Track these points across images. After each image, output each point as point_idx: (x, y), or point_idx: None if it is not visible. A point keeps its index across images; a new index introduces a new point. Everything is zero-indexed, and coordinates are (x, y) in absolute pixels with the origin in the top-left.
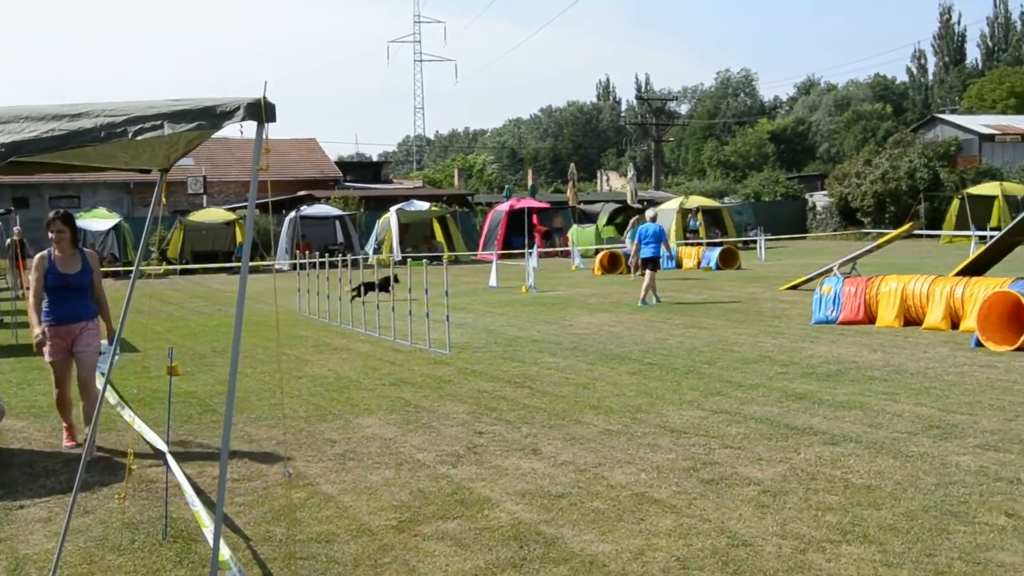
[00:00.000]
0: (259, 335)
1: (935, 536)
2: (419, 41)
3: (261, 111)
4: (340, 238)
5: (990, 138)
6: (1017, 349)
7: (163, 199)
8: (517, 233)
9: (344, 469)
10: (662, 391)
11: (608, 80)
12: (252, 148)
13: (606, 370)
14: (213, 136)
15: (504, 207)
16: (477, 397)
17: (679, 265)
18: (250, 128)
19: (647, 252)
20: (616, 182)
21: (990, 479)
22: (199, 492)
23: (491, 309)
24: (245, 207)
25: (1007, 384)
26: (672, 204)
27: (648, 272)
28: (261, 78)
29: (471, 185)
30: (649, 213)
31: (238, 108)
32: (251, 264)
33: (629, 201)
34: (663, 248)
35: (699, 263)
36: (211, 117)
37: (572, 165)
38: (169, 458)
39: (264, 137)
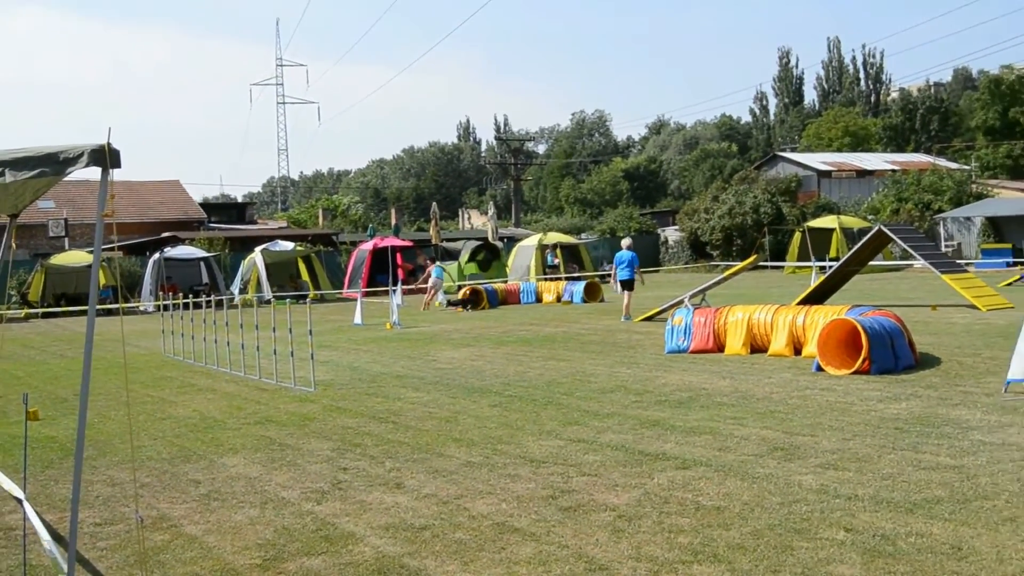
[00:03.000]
0: (122, 378)
1: (780, 553)
2: (281, 84)
3: (105, 157)
4: (205, 279)
5: (827, 174)
6: (854, 372)
7: (13, 244)
8: (382, 271)
9: (208, 509)
10: (522, 422)
11: (468, 121)
12: (115, 191)
13: (468, 403)
14: (75, 178)
15: (368, 246)
16: (342, 433)
17: (539, 299)
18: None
19: (623, 275)
20: (477, 220)
21: (830, 496)
22: (58, 538)
23: (356, 346)
24: (107, 249)
25: (845, 406)
26: (531, 241)
27: (626, 292)
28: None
29: (336, 224)
30: (625, 242)
31: (81, 154)
32: (115, 306)
33: (490, 238)
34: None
35: (559, 297)
36: (54, 164)
37: (434, 204)
38: (26, 504)
39: (110, 182)
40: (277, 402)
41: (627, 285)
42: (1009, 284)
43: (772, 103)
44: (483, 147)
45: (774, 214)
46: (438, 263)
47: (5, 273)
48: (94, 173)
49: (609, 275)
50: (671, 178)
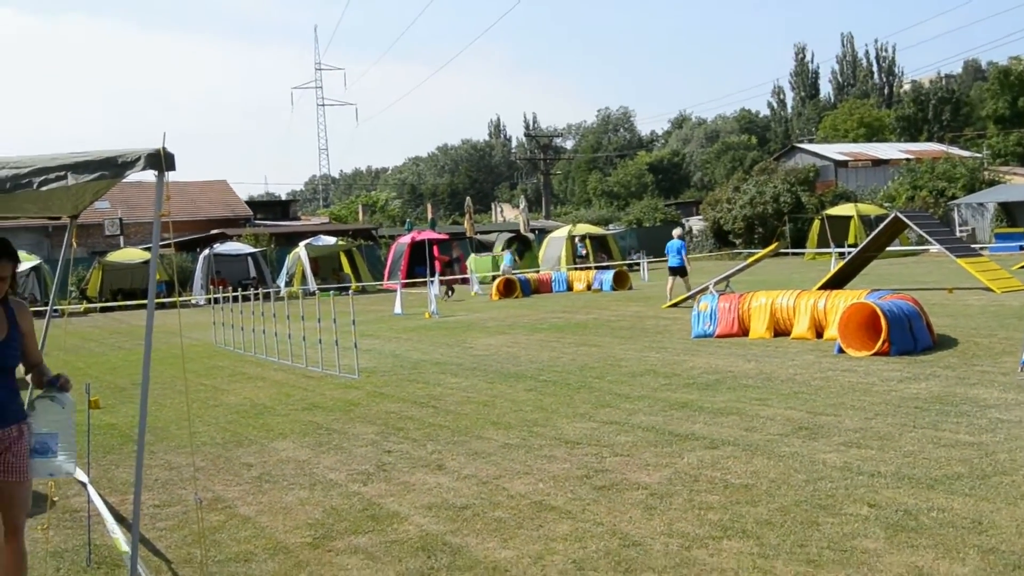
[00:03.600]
0: (177, 367)
1: (806, 528)
2: (320, 87)
3: (161, 160)
4: (253, 273)
5: (844, 164)
6: (875, 354)
7: (74, 243)
8: (419, 263)
9: (260, 491)
10: (556, 405)
11: (499, 119)
12: (169, 192)
13: (504, 388)
14: (128, 180)
15: (406, 239)
16: (385, 418)
17: (570, 288)
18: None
19: (673, 262)
20: (509, 213)
21: (854, 473)
22: (120, 519)
23: (396, 335)
24: (163, 247)
25: (866, 386)
26: (561, 232)
27: (674, 278)
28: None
29: (375, 220)
30: (675, 232)
31: (139, 158)
32: (169, 300)
33: (522, 230)
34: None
35: (589, 285)
36: (113, 167)
37: (468, 199)
38: (90, 488)
39: (166, 183)
40: (323, 389)
41: (676, 271)
42: (1022, 267)
43: (789, 97)
44: (513, 144)
45: (794, 203)
46: (507, 251)
47: (67, 270)
48: (148, 175)
49: (637, 264)
50: (694, 170)
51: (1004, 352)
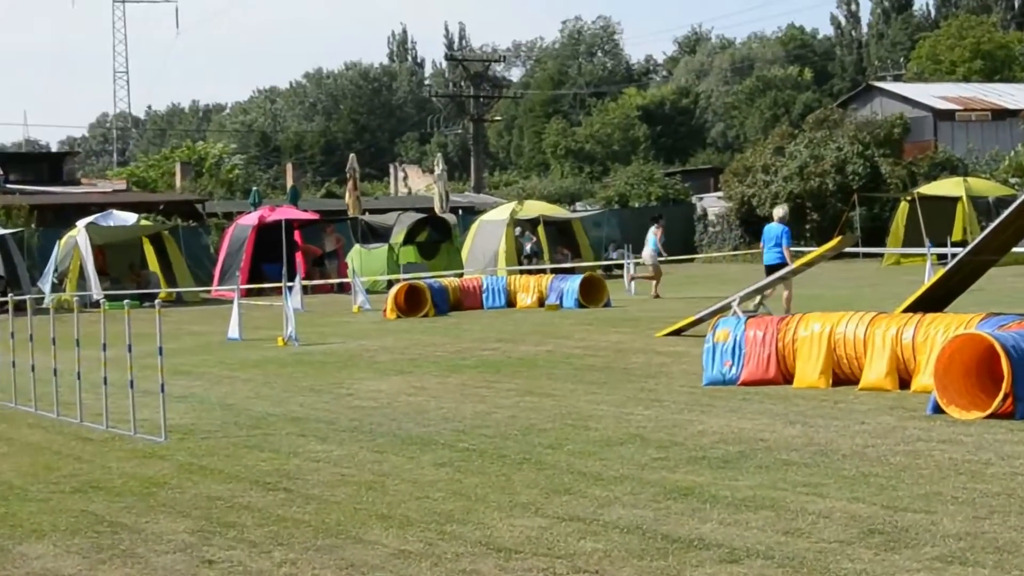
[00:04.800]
0: None
1: None
2: None
3: None
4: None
5: (949, 115)
6: (991, 415)
7: None
8: (271, 258)
9: None
10: (484, 490)
11: (405, 32)
12: None
13: (402, 461)
14: None
15: (251, 220)
16: (207, 507)
17: (511, 302)
18: None
19: (769, 258)
20: (418, 181)
21: None
22: None
23: (231, 372)
24: None
25: (977, 467)
26: (500, 214)
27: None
28: None
29: (202, 187)
30: (777, 212)
31: None
32: None
33: (437, 209)
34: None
35: (542, 299)
36: None
37: (353, 156)
38: None
39: None
40: (107, 458)
41: (773, 271)
42: None
43: (865, 8)
44: (427, 71)
45: (868, 175)
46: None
47: None
48: None
49: (620, 265)
50: (712, 120)
51: None
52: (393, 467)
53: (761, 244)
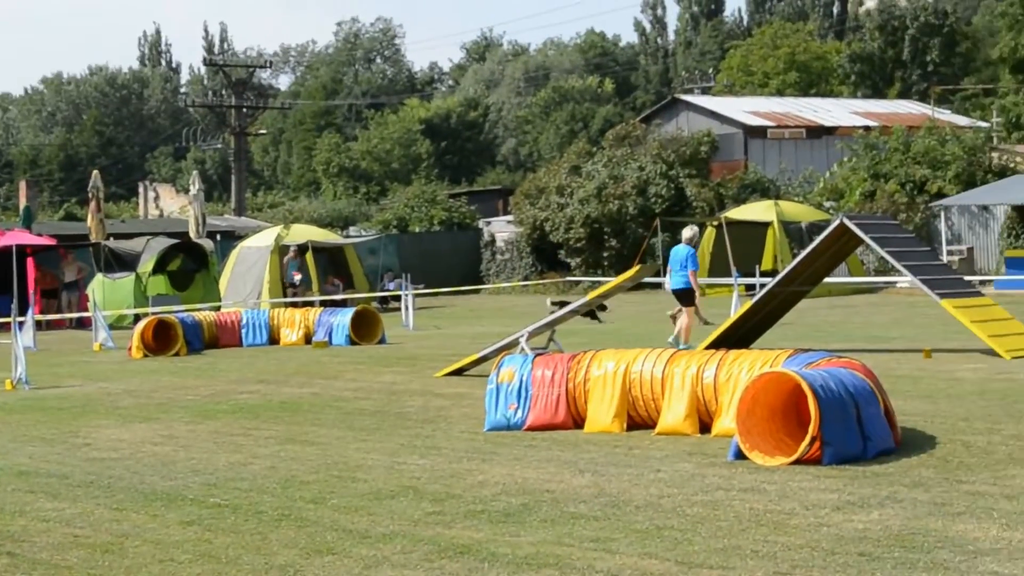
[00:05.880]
0: None
1: None
2: None
3: None
4: None
5: (760, 132)
6: (796, 461)
7: None
8: None
9: None
10: (237, 551)
11: (158, 33)
12: None
13: (144, 519)
14: None
15: None
16: None
17: (274, 338)
18: None
19: (675, 282)
20: (171, 202)
21: None
22: None
23: None
24: None
25: (780, 517)
26: (264, 239)
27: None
28: None
29: None
30: (686, 233)
31: None
32: None
33: (192, 234)
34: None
35: (309, 335)
36: None
37: (96, 174)
38: None
39: None
40: None
41: (682, 297)
42: None
43: (672, 12)
44: (184, 77)
45: (672, 197)
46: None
47: None
48: None
49: (397, 297)
50: (503, 135)
51: (1011, 460)
52: (134, 526)
53: (668, 268)
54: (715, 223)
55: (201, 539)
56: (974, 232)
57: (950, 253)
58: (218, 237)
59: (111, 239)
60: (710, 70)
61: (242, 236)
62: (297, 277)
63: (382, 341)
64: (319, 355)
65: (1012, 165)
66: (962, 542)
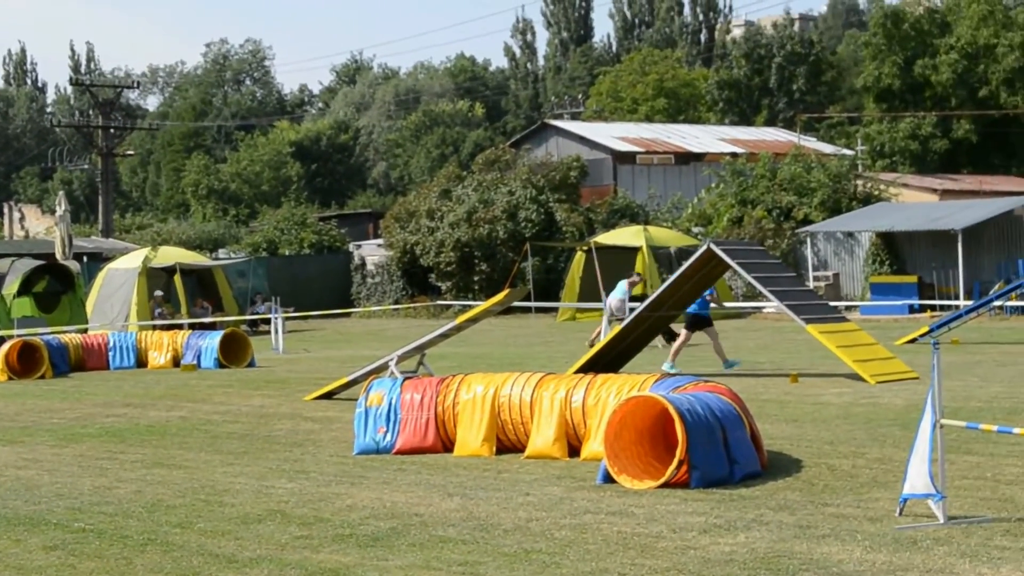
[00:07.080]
0: None
1: None
2: None
3: None
4: None
5: (629, 158)
6: (663, 485)
7: None
8: None
9: None
10: None
11: (24, 51)
12: None
13: (6, 544)
14: None
15: None
16: None
17: (142, 361)
18: None
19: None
20: (37, 223)
21: None
22: None
23: None
24: None
25: (648, 540)
26: (132, 260)
27: (685, 332)
28: None
29: None
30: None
31: None
32: None
33: (59, 255)
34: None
35: (177, 358)
36: None
37: None
38: None
39: None
40: None
41: (699, 322)
42: (912, 340)
43: (542, 38)
44: (50, 96)
45: (542, 222)
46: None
47: None
48: None
49: (267, 320)
50: (373, 159)
51: (874, 483)
52: None
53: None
54: (584, 248)
55: (65, 564)
56: (840, 258)
57: (816, 279)
58: (85, 259)
59: None
60: (580, 95)
61: (109, 258)
62: (158, 308)
63: (251, 364)
64: (187, 378)
65: (876, 192)
66: (826, 564)
